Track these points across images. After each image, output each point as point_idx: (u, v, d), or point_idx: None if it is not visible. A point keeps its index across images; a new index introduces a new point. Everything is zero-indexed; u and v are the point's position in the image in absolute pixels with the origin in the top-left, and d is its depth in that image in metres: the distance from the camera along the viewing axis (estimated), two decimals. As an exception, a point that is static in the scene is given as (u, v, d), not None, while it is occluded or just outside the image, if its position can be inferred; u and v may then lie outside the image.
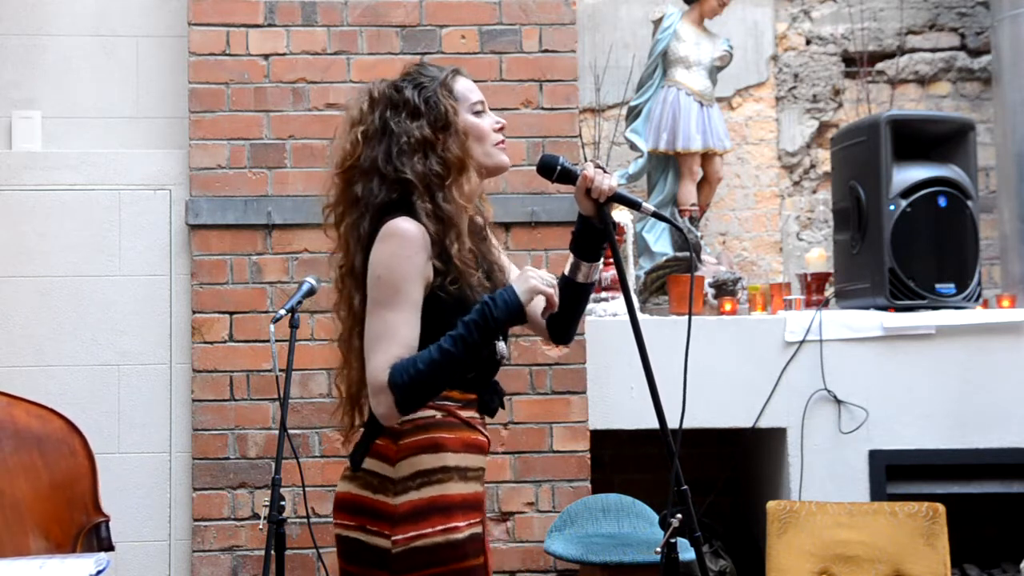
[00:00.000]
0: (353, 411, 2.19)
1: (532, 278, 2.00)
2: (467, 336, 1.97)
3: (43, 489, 2.88)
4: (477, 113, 2.16)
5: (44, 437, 2.92)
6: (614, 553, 3.32)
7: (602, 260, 2.20)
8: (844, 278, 4.24)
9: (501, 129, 2.19)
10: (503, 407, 2.20)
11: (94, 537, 2.91)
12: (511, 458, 3.72)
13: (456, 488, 2.05)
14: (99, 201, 3.88)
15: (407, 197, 2.06)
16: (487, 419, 2.18)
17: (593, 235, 2.12)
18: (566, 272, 2.18)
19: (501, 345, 2.11)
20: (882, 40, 5.07)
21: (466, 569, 2.03)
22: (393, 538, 2.02)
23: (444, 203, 2.06)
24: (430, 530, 2.01)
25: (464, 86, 2.17)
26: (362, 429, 2.16)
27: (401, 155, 2.07)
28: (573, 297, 2.17)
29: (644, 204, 2.07)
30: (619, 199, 2.08)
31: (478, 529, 2.09)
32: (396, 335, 1.99)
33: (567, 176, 2.10)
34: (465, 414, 2.09)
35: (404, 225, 2.02)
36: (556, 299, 2.02)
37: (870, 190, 4.03)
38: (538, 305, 2.07)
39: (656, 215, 2.09)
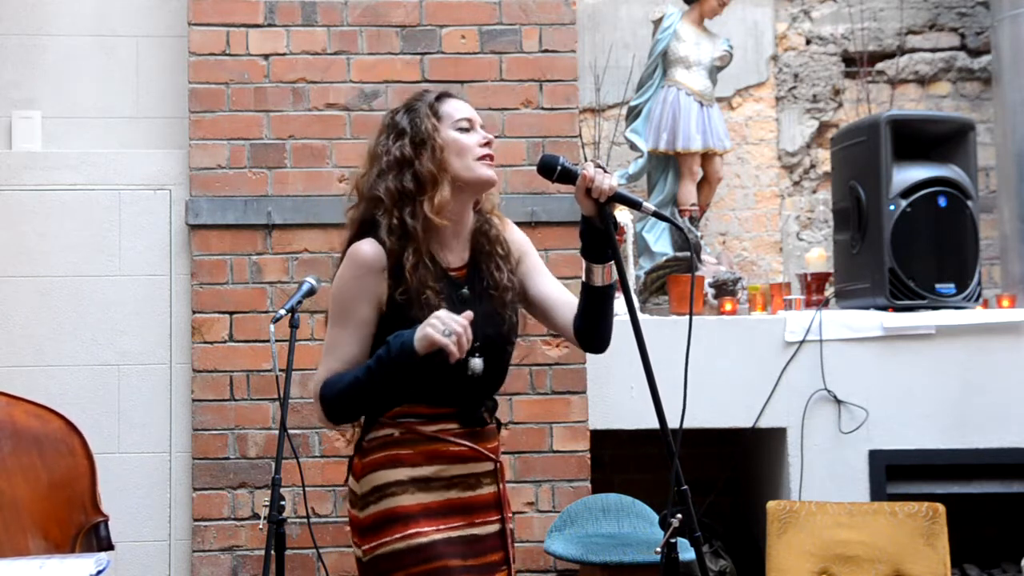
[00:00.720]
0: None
1: (430, 325, 2.02)
2: (373, 367, 2.09)
3: (42, 489, 2.88)
4: (462, 130, 2.21)
5: (43, 437, 2.92)
6: (614, 553, 3.32)
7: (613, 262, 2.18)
8: (844, 278, 4.24)
9: (487, 144, 2.22)
10: (489, 422, 2.23)
11: (93, 537, 2.91)
12: (511, 458, 3.72)
13: (414, 499, 2.12)
14: (99, 201, 3.88)
15: (374, 213, 2.17)
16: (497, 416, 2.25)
17: (596, 235, 2.13)
18: (583, 278, 2.19)
19: (475, 361, 2.16)
20: (882, 40, 5.07)
21: (437, 570, 2.09)
22: (363, 547, 2.15)
23: (410, 218, 2.14)
24: (389, 538, 2.11)
25: (451, 106, 2.23)
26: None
27: (381, 175, 2.19)
28: (593, 301, 2.18)
29: (645, 204, 2.08)
30: (619, 199, 2.09)
31: (462, 532, 2.14)
32: (336, 350, 2.16)
33: (567, 176, 2.10)
34: (431, 428, 2.16)
35: (361, 248, 2.15)
36: (455, 351, 2.00)
37: (870, 190, 4.03)
38: (563, 314, 2.21)
39: (657, 215, 2.09)
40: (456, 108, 2.23)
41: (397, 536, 2.10)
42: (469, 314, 2.04)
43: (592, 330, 2.22)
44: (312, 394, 2.18)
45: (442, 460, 2.15)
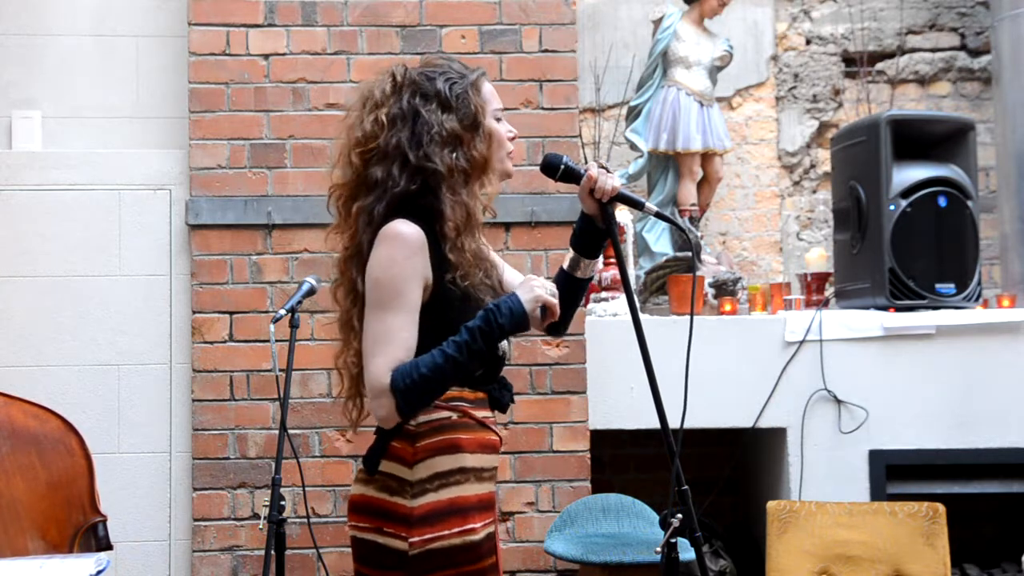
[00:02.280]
0: (358, 394, 2.17)
1: (537, 287, 2.02)
2: (471, 343, 1.98)
3: (40, 489, 2.87)
4: (498, 120, 2.17)
5: (41, 437, 2.92)
6: (614, 553, 3.32)
7: (599, 260, 2.22)
8: (844, 278, 4.24)
9: (513, 139, 2.20)
10: (513, 401, 2.21)
11: (92, 537, 2.91)
12: (511, 458, 3.72)
13: (473, 489, 2.06)
14: (99, 201, 3.87)
15: (430, 188, 2.06)
16: (498, 416, 2.20)
17: (595, 234, 2.14)
18: (565, 266, 2.20)
19: (503, 343, 2.12)
20: (882, 40, 5.07)
21: (480, 570, 2.05)
22: (410, 540, 2.01)
23: (468, 199, 2.07)
24: (447, 532, 2.01)
25: (489, 91, 2.16)
26: (374, 433, 2.15)
27: (432, 144, 2.05)
28: (570, 290, 2.20)
29: (647, 204, 2.09)
30: (622, 199, 2.10)
31: (492, 529, 2.11)
32: (396, 338, 1.99)
33: (571, 175, 2.11)
34: (479, 414, 2.10)
35: (402, 227, 2.01)
36: (558, 310, 2.04)
37: (870, 190, 4.03)
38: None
39: (659, 215, 2.10)
40: (493, 95, 2.17)
41: (456, 531, 2.01)
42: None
43: (563, 318, 2.19)
44: (376, 389, 1.98)
45: (490, 451, 2.12)
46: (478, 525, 2.04)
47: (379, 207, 2.07)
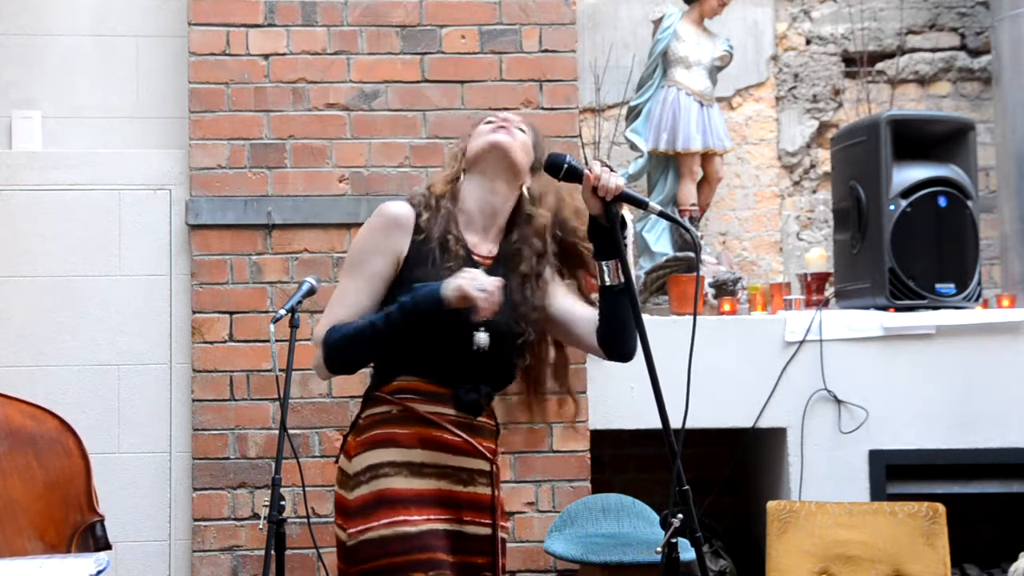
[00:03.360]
0: None
1: (462, 277, 2.06)
2: (392, 313, 2.08)
3: (38, 489, 2.87)
4: (480, 121, 2.35)
5: (38, 437, 2.92)
6: (614, 553, 3.32)
7: (628, 255, 2.18)
8: (844, 278, 4.24)
9: (491, 121, 2.29)
10: (486, 407, 2.20)
11: (90, 537, 2.91)
12: (511, 458, 3.72)
13: (404, 483, 2.09)
14: (99, 201, 3.87)
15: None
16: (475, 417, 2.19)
17: (603, 234, 2.13)
18: (594, 279, 2.20)
19: (481, 336, 2.13)
20: (882, 40, 5.07)
21: (416, 562, 2.05)
22: (348, 530, 2.12)
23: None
24: (376, 523, 2.07)
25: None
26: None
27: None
28: (609, 302, 2.16)
29: (650, 203, 2.09)
30: (626, 198, 2.10)
31: (448, 527, 2.11)
32: (344, 299, 2.17)
33: (574, 175, 2.11)
34: (426, 408, 2.12)
35: (387, 206, 2.20)
36: (485, 306, 2.04)
37: (870, 190, 4.03)
38: (585, 326, 2.18)
39: (663, 215, 2.11)
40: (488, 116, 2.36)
41: (385, 521, 2.07)
42: (500, 280, 2.07)
43: (612, 335, 2.18)
44: (315, 340, 2.18)
45: (436, 448, 2.13)
46: (416, 518, 2.07)
47: None
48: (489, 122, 2.29)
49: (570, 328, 2.25)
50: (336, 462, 2.25)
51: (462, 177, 2.24)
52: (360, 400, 2.27)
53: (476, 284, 2.04)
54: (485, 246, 2.23)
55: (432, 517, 2.09)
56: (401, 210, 2.18)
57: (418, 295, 2.06)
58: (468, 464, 2.16)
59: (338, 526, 2.16)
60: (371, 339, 2.10)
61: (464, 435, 2.15)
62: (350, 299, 2.16)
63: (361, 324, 2.11)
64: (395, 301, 2.10)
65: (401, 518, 2.07)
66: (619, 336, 2.19)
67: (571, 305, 2.26)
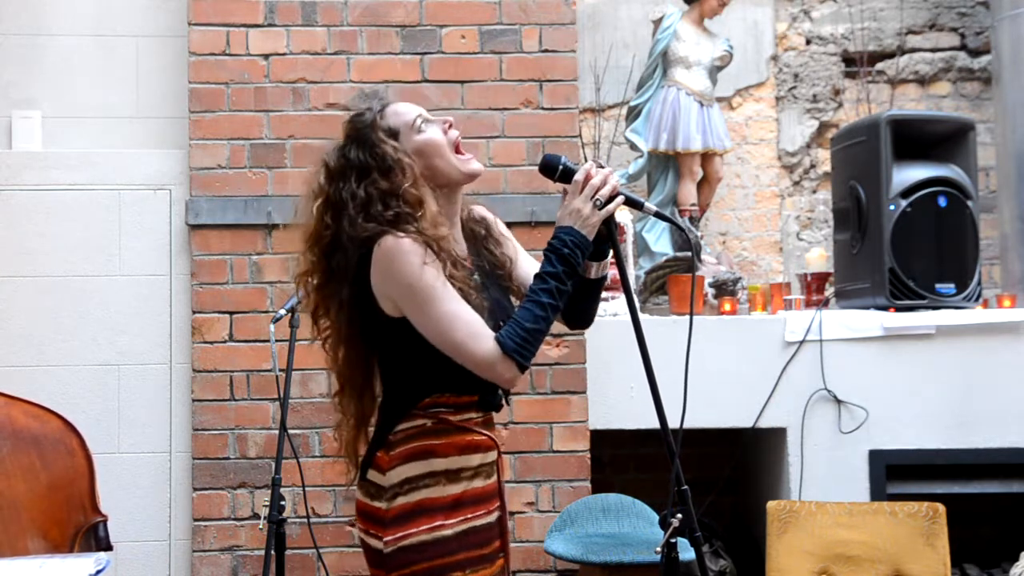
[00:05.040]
0: (355, 457, 2.27)
1: (578, 204, 2.06)
2: (560, 286, 2.04)
3: (41, 489, 2.88)
4: (421, 130, 2.15)
5: (42, 437, 2.92)
6: (614, 553, 3.32)
7: (610, 257, 2.21)
8: (844, 278, 4.24)
9: (450, 126, 2.18)
10: (507, 403, 2.24)
11: (92, 537, 2.91)
12: (511, 458, 3.72)
13: (444, 491, 2.12)
14: (99, 201, 3.87)
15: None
16: (499, 415, 2.22)
17: (596, 235, 2.13)
18: None
19: None
20: (882, 40, 5.07)
21: (455, 563, 2.10)
22: (385, 539, 2.11)
23: (419, 232, 2.06)
24: (415, 530, 2.09)
25: (395, 112, 2.16)
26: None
27: (362, 217, 2.07)
28: (586, 291, 2.21)
29: (647, 204, 2.09)
30: (624, 202, 2.10)
31: (482, 520, 2.15)
32: (462, 318, 2.04)
33: (569, 176, 2.11)
34: (457, 418, 2.15)
35: (398, 239, 2.04)
36: (615, 180, 2.08)
37: (870, 190, 4.03)
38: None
39: (659, 215, 2.11)
40: (403, 111, 2.17)
41: (424, 528, 2.09)
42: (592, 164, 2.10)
43: (581, 312, 2.25)
44: (488, 363, 2.03)
45: (470, 451, 2.15)
46: (452, 521, 2.11)
47: (343, 291, 2.11)
48: (448, 129, 2.18)
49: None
50: (355, 478, 2.23)
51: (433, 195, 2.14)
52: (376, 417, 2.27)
53: (604, 193, 2.06)
54: (459, 246, 2.23)
55: (469, 516, 2.14)
56: (409, 238, 2.05)
57: (568, 243, 2.04)
58: (491, 458, 2.21)
59: (370, 535, 2.15)
60: (553, 315, 2.06)
61: (488, 432, 2.19)
62: (465, 315, 2.04)
63: (537, 313, 2.03)
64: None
65: (439, 523, 2.10)
66: (586, 313, 2.26)
67: (525, 274, 2.27)
